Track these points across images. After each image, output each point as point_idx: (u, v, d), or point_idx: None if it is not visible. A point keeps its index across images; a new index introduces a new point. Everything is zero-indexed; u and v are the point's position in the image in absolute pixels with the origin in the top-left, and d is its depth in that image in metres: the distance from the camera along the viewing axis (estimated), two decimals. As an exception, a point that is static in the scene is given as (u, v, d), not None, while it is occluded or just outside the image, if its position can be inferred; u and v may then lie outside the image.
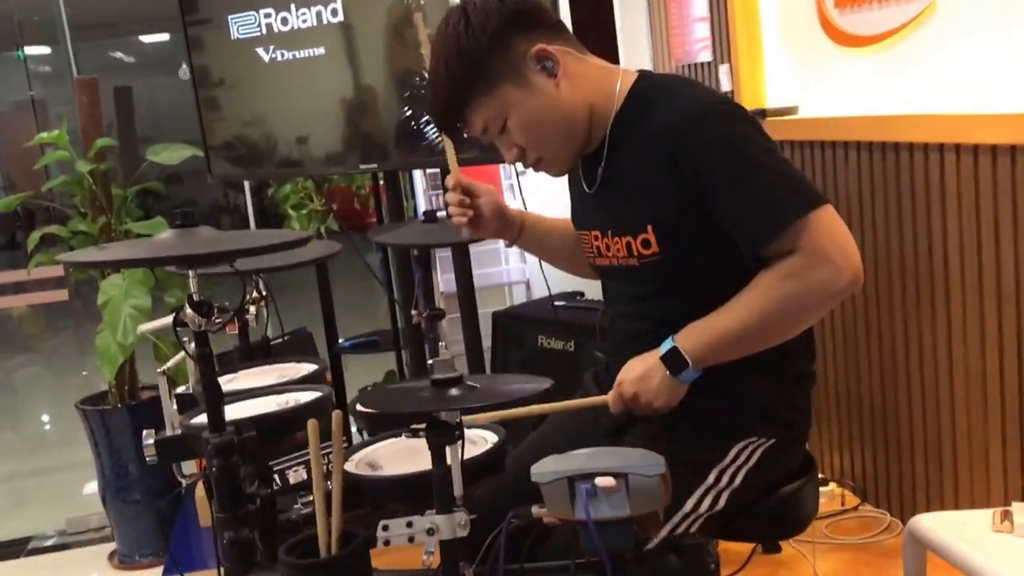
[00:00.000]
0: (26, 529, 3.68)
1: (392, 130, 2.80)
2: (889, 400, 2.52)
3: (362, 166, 2.95)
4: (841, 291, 1.41)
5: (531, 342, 2.96)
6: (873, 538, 2.50)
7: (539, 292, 3.69)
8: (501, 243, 3.78)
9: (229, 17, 2.93)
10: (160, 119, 9.32)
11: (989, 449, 2.18)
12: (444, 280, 3.47)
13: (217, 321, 1.31)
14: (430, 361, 1.36)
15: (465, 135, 1.56)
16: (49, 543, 3.57)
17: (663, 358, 1.45)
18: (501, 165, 3.42)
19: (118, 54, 10.64)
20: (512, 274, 3.93)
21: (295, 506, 1.51)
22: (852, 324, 2.62)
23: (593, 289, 3.25)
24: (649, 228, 1.48)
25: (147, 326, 1.92)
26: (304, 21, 2.83)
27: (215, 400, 1.41)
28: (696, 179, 1.43)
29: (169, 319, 1.41)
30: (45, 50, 9.04)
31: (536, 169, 1.57)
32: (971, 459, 2.24)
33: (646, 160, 1.48)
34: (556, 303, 2.98)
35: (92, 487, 4.12)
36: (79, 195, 3.19)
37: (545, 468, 1.23)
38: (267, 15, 2.87)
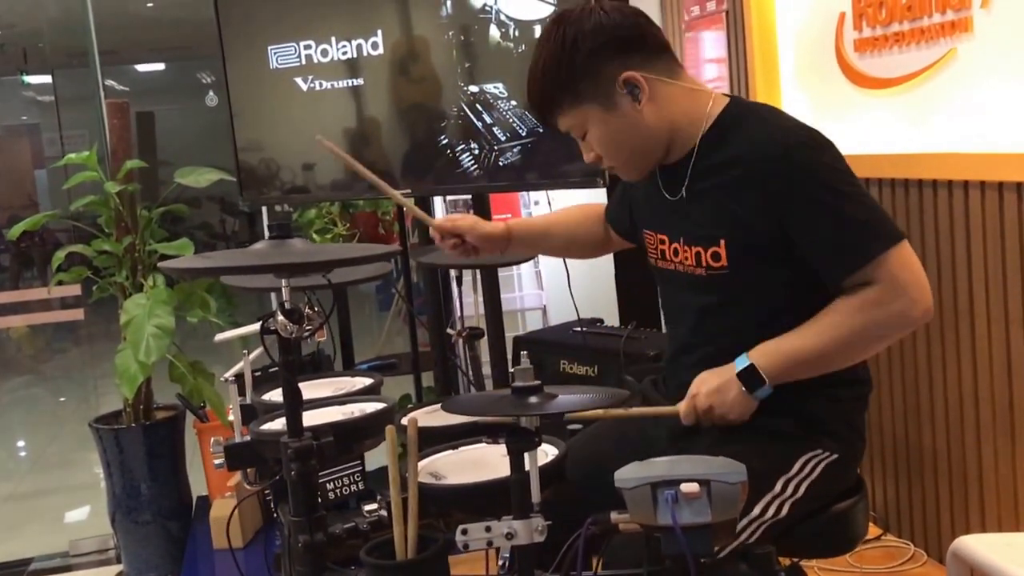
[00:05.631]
0: (26, 551, 3.62)
1: (426, 157, 2.85)
2: (912, 431, 2.56)
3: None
4: (914, 322, 1.49)
5: (553, 366, 2.97)
6: (899, 567, 2.52)
7: (555, 319, 3.71)
8: (515, 270, 3.86)
9: (269, 48, 2.99)
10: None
11: (1017, 478, 2.21)
12: (466, 303, 3.48)
13: (307, 328, 1.35)
14: (512, 369, 1.41)
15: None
16: (51, 564, 3.52)
17: (739, 375, 1.51)
18: (520, 193, 3.52)
19: (110, 82, 10.79)
20: (527, 300, 3.96)
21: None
22: (876, 354, 2.67)
23: (612, 315, 3.29)
24: (722, 242, 1.54)
25: (225, 335, 1.93)
26: (344, 53, 2.89)
27: (295, 406, 1.44)
28: (780, 204, 1.49)
29: (249, 328, 1.44)
30: (45, 79, 9.08)
31: (610, 172, 1.68)
32: (998, 488, 2.28)
33: (732, 179, 1.54)
34: (575, 328, 3.02)
35: (75, 515, 4.06)
36: (104, 215, 3.18)
37: (628, 474, 1.25)
38: (307, 47, 2.94)
